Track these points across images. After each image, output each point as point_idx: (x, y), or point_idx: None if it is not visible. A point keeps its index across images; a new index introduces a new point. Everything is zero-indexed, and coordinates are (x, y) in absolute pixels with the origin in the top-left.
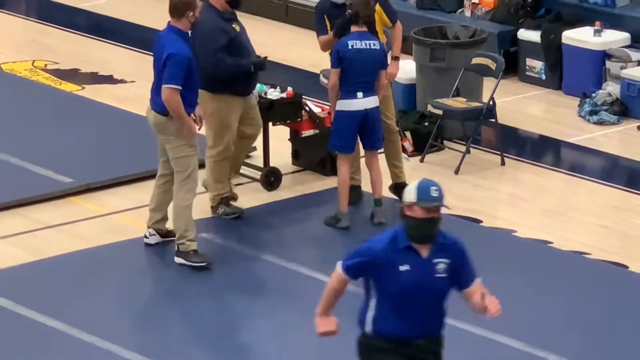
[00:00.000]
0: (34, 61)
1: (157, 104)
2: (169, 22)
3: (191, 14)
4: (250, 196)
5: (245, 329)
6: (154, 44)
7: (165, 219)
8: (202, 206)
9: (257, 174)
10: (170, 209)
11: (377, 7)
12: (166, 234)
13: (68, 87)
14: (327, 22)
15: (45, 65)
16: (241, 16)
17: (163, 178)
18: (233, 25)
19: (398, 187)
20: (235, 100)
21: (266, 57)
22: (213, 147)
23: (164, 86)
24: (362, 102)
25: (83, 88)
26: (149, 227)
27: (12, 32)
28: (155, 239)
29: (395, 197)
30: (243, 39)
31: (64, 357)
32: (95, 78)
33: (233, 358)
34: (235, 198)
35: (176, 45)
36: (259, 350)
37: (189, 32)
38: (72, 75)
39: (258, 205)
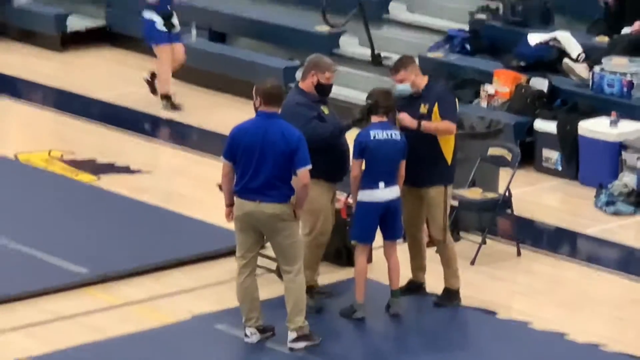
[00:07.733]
0: (50, 151)
1: (274, 195)
2: (261, 111)
3: (283, 101)
4: (266, 287)
5: None
6: (245, 135)
7: (260, 314)
8: (217, 296)
9: (273, 265)
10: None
11: (436, 104)
12: (263, 330)
13: (84, 177)
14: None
15: (62, 156)
16: None
17: (250, 277)
18: (322, 107)
19: (411, 285)
20: (326, 185)
21: (352, 121)
22: (307, 234)
23: (303, 169)
24: (383, 193)
25: (99, 178)
26: (249, 327)
27: (29, 122)
28: (257, 337)
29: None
30: (331, 120)
31: None
32: (112, 168)
33: None
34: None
35: (294, 129)
36: None
37: None
38: (88, 165)
39: (273, 298)
